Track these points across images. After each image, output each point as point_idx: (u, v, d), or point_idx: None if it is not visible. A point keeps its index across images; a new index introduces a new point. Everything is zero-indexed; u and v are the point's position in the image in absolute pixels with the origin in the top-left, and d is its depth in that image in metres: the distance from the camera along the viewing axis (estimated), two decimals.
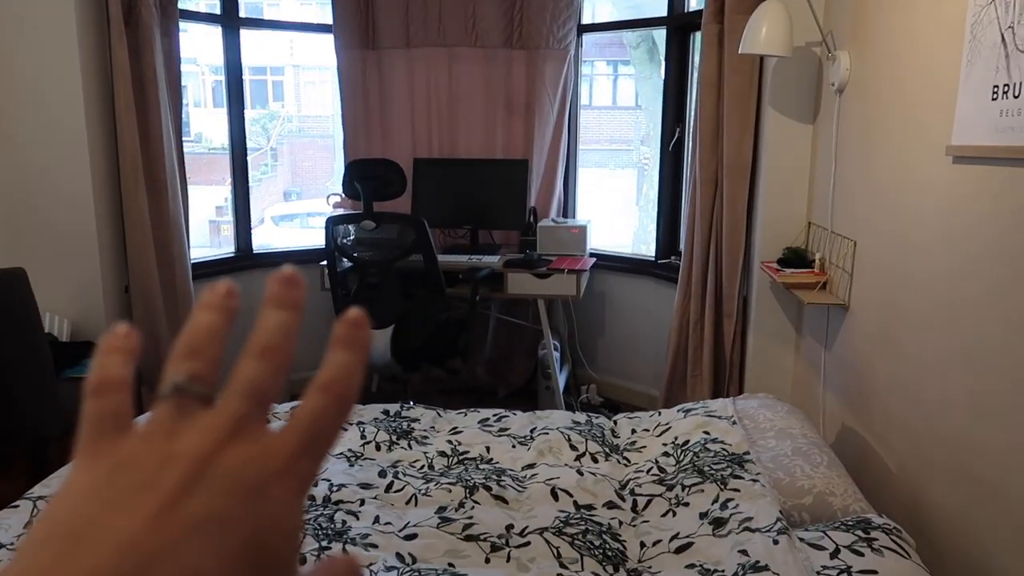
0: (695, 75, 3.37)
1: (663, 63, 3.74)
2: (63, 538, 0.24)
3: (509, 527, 1.73)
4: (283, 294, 0.30)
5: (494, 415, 2.36)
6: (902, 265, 2.07)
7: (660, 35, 4.01)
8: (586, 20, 3.84)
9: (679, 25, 3.50)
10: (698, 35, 3.18)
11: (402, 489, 1.91)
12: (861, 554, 1.51)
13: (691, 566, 1.58)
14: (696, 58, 3.39)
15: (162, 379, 0.29)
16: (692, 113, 3.33)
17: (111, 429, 0.28)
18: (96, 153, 2.94)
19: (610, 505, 1.85)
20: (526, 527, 1.72)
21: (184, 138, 3.28)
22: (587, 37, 3.90)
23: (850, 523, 1.64)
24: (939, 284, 1.87)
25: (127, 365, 0.29)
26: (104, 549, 0.24)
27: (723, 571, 1.52)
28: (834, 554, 1.53)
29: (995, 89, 1.62)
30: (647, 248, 3.86)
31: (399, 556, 1.63)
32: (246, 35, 3.66)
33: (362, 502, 1.86)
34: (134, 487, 0.25)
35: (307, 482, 0.28)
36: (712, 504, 1.77)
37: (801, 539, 1.59)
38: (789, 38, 2.53)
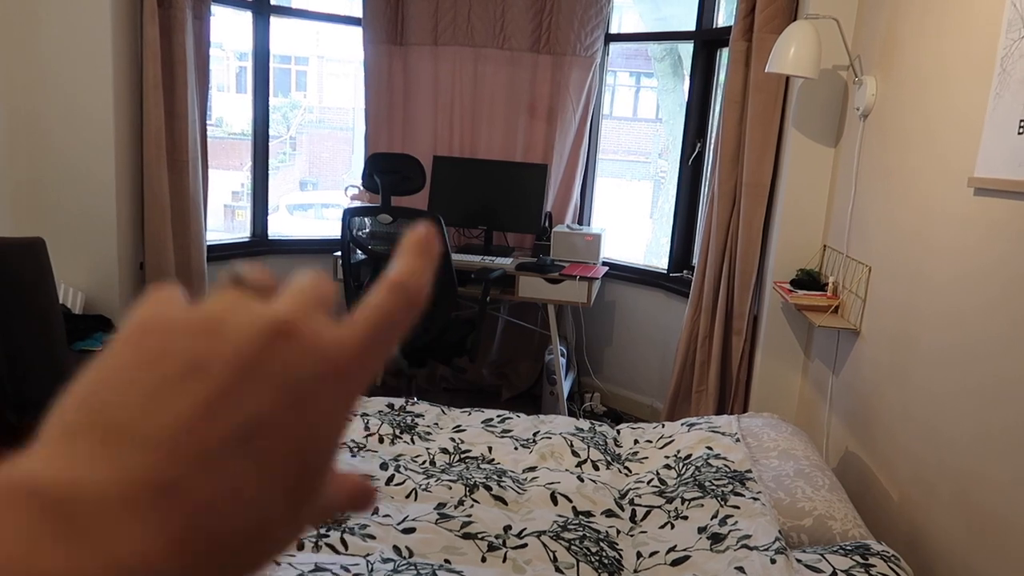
0: (719, 91, 3.38)
1: (687, 77, 3.74)
2: (102, 432, 0.22)
3: (507, 528, 1.73)
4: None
5: (498, 416, 2.36)
6: (916, 294, 2.07)
7: (685, 49, 4.01)
8: (613, 30, 3.85)
9: (706, 40, 3.50)
10: (725, 51, 3.18)
11: (403, 483, 1.92)
12: None
13: None
14: (721, 75, 3.39)
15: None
16: (714, 129, 3.33)
17: (166, 302, 0.25)
18: (121, 130, 2.97)
19: (609, 513, 1.85)
20: (524, 529, 1.73)
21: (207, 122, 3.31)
22: (613, 47, 3.91)
23: (849, 548, 1.64)
24: (953, 317, 1.86)
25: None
26: (145, 451, 0.21)
27: None
28: None
29: (1021, 123, 1.62)
30: (659, 260, 3.87)
31: (396, 549, 1.64)
32: (275, 23, 3.69)
33: None
34: (182, 370, 0.22)
35: (363, 386, 0.26)
36: (711, 519, 1.77)
37: (799, 560, 1.59)
38: (816, 60, 2.53)
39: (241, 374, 0.23)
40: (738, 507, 1.79)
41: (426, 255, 0.28)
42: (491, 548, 1.66)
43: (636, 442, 2.28)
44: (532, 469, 2.04)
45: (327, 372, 0.24)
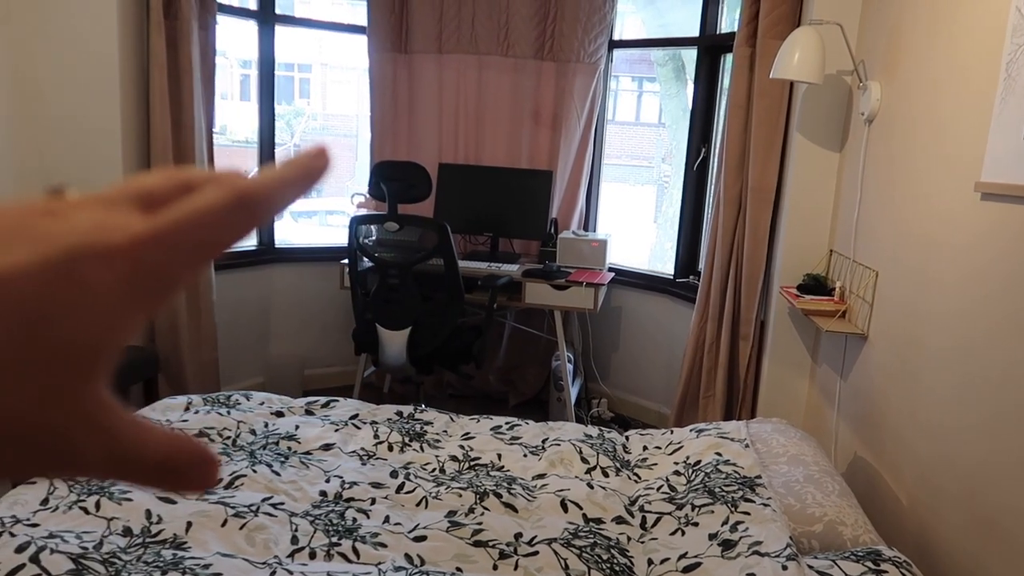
0: (723, 97, 3.39)
1: (689, 82, 3.75)
2: None
3: (518, 535, 1.74)
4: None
5: (506, 423, 2.37)
6: (923, 298, 2.07)
7: (688, 54, 4.02)
8: (616, 36, 3.86)
9: (710, 46, 3.51)
10: (729, 57, 3.19)
11: (413, 491, 1.92)
12: None
13: None
14: (726, 80, 3.40)
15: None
16: (719, 134, 3.33)
17: None
18: (128, 141, 2.99)
19: (619, 520, 1.86)
20: (535, 536, 1.73)
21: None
22: (616, 52, 3.92)
23: (860, 554, 1.64)
24: (961, 321, 1.87)
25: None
26: None
27: None
28: None
29: None
30: (663, 265, 3.87)
31: (408, 557, 1.65)
32: (279, 32, 3.71)
33: (373, 501, 1.87)
34: None
35: (152, 278, 0.22)
36: (722, 526, 1.77)
37: (810, 567, 1.59)
38: (821, 65, 2.54)
39: None
40: (748, 513, 1.79)
41: (300, 171, 0.25)
42: (502, 556, 1.67)
43: (645, 448, 2.28)
44: (542, 476, 2.05)
45: (95, 243, 0.21)
